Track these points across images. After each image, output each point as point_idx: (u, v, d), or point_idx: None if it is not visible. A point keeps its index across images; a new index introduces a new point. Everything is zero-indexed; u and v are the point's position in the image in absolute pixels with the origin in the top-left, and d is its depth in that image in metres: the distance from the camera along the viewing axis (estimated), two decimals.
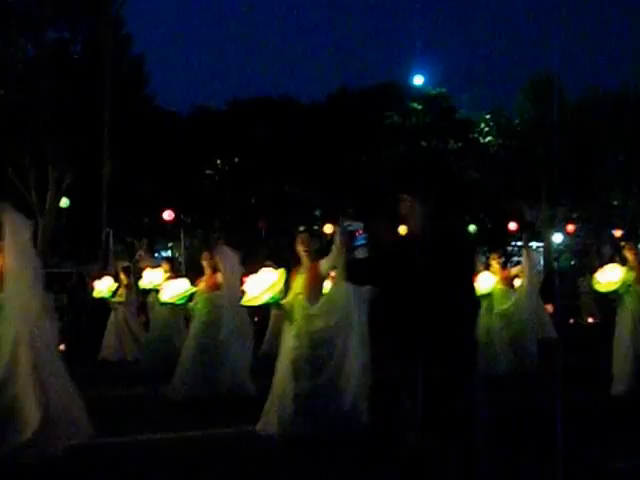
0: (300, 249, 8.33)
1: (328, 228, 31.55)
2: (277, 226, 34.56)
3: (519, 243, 37.32)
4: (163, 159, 31.11)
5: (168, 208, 26.36)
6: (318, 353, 7.95)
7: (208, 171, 36.80)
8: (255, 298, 8.43)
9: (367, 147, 35.94)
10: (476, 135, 37.34)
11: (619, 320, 10.41)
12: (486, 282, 12.23)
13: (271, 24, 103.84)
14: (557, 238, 31.94)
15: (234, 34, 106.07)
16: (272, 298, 8.31)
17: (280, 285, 8.31)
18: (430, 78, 35.96)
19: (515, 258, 36.43)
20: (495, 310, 12.32)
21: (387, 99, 36.25)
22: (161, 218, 26.81)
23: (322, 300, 8.13)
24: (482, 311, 11.92)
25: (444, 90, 37.78)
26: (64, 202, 26.89)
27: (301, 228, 33.45)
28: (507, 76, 67.11)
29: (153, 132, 30.55)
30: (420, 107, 36.08)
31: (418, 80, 34.71)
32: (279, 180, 35.30)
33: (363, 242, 5.19)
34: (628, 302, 10.32)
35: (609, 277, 10.59)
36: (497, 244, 36.08)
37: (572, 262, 36.65)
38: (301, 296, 8.07)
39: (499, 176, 34.88)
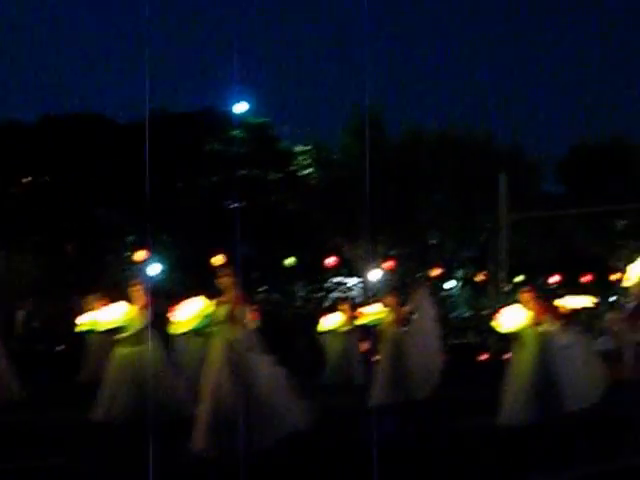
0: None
1: (139, 256, 30.06)
2: (87, 251, 32.89)
3: (335, 279, 37.08)
4: None
5: None
6: None
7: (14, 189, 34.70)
8: None
9: (184, 173, 34.79)
10: (296, 167, 36.79)
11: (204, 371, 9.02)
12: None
13: (91, 38, 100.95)
14: (375, 275, 31.60)
15: (50, 47, 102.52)
16: None
17: None
18: (253, 107, 35.28)
19: (334, 294, 36.02)
20: None
21: (207, 125, 35.24)
22: None
23: None
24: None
25: (267, 120, 37.08)
26: None
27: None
28: (331, 110, 67.59)
29: None
30: (241, 135, 35.18)
31: (240, 108, 33.94)
32: (91, 203, 33.58)
33: None
34: (216, 344, 8.94)
35: (185, 313, 9.18)
36: (315, 279, 35.72)
37: None
38: None
39: (319, 210, 34.44)
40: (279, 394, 8.91)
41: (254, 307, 16.55)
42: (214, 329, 9.04)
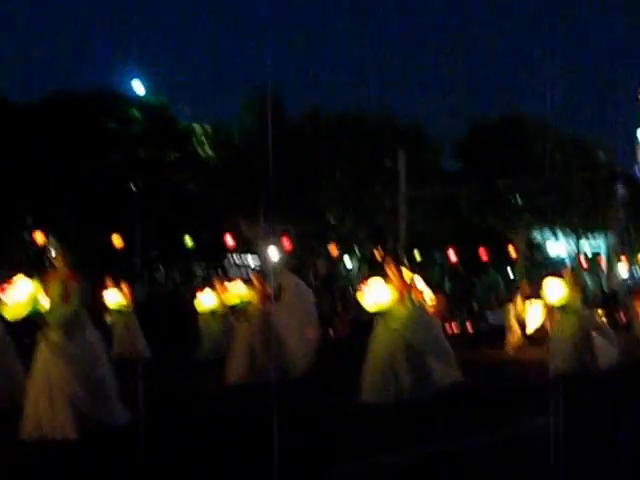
0: None
1: (39, 237, 29.67)
2: None
3: (234, 258, 37.07)
4: None
5: None
6: None
7: None
8: None
9: (83, 154, 34.32)
10: (194, 147, 36.53)
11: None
12: None
13: None
14: (274, 254, 31.71)
15: None
16: None
17: None
18: (150, 86, 35.05)
19: (233, 273, 36.09)
20: None
21: (104, 105, 34.72)
22: None
23: None
24: None
25: (164, 99, 36.73)
26: None
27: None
28: (230, 89, 67.12)
29: None
30: (139, 115, 34.79)
31: (137, 87, 33.72)
32: None
33: None
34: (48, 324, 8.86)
35: (14, 296, 8.70)
36: (214, 259, 35.66)
37: None
38: None
39: (218, 190, 34.29)
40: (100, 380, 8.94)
41: (126, 289, 16.59)
42: (46, 309, 8.78)
